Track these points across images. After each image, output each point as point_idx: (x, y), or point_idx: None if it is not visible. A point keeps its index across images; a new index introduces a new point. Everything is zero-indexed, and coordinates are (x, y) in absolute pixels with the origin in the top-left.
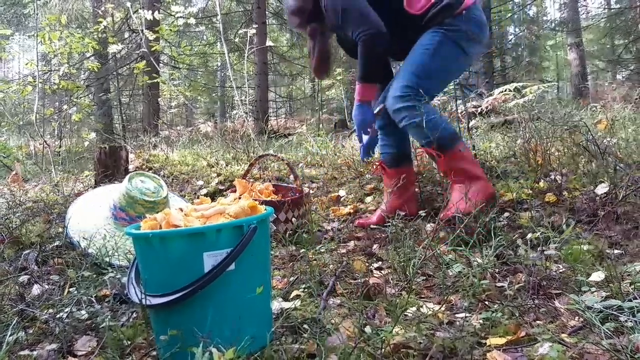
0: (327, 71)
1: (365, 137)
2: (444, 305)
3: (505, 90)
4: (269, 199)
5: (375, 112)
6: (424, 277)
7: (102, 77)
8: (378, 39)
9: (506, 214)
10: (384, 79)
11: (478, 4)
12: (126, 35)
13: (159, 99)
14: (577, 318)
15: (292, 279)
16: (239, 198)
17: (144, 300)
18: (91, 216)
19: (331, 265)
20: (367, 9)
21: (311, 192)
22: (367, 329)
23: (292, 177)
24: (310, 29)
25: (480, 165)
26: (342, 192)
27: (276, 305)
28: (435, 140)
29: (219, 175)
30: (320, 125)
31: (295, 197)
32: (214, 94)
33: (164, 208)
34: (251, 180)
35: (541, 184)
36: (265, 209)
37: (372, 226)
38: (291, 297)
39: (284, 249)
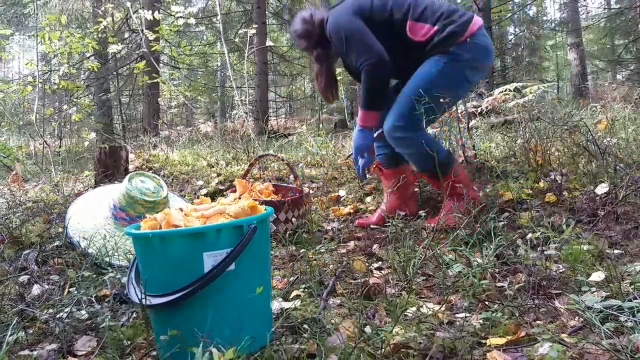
0: (335, 94)
1: (361, 161)
2: (444, 305)
3: (505, 90)
4: (269, 199)
5: (375, 135)
6: (424, 277)
7: (102, 77)
8: (381, 68)
9: (506, 214)
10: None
11: (483, 29)
12: (126, 35)
13: (159, 99)
14: (577, 318)
15: (292, 279)
16: (239, 198)
17: (144, 300)
18: (91, 216)
19: (331, 265)
20: (370, 38)
21: (311, 192)
22: (367, 329)
23: (292, 177)
24: (317, 54)
25: (470, 177)
26: (342, 192)
27: (276, 305)
28: (431, 168)
29: (219, 175)
30: (320, 125)
31: (295, 197)
32: (214, 94)
33: (164, 208)
34: (251, 180)
35: (541, 184)
36: (265, 209)
37: (372, 226)
38: (291, 297)
39: (284, 249)
